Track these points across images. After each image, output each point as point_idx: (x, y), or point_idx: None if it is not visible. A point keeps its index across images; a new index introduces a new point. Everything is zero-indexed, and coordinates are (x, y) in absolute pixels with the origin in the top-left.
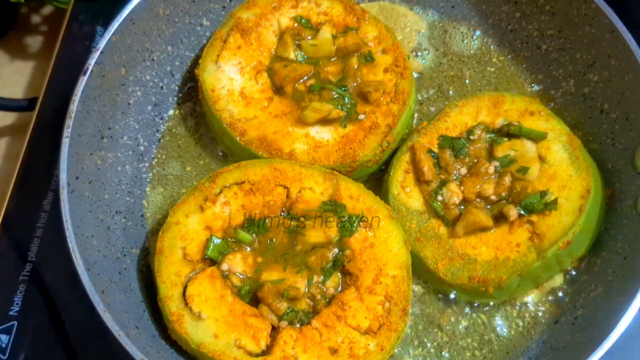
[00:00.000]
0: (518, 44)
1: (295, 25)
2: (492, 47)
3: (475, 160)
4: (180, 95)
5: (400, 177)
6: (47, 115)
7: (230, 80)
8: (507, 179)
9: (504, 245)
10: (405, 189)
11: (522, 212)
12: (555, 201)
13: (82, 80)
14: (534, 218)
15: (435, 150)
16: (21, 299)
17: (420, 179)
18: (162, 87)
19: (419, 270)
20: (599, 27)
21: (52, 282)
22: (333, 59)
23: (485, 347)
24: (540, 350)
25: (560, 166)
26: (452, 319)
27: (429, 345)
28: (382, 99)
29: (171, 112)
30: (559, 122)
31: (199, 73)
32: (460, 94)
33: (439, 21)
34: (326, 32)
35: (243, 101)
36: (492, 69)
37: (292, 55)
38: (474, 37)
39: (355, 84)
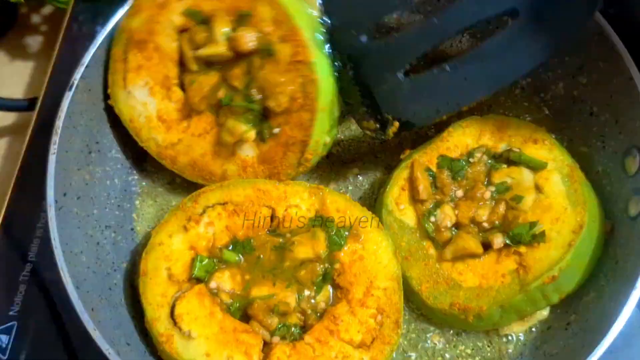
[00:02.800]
0: None
1: (188, 23)
2: None
3: (473, 184)
4: None
5: (395, 194)
6: (47, 116)
7: (144, 105)
8: (502, 207)
9: (490, 274)
10: (399, 206)
11: (508, 241)
12: (543, 234)
13: (68, 96)
14: (522, 249)
15: (434, 169)
16: (21, 299)
17: (415, 198)
18: None
19: (404, 288)
20: (587, 29)
21: (52, 282)
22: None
23: (479, 354)
24: (533, 356)
25: (556, 198)
26: (444, 327)
27: (422, 355)
28: (291, 106)
29: None
30: (562, 153)
31: (112, 104)
32: None
33: None
34: (218, 29)
35: (163, 126)
36: None
37: (194, 67)
38: (462, 41)
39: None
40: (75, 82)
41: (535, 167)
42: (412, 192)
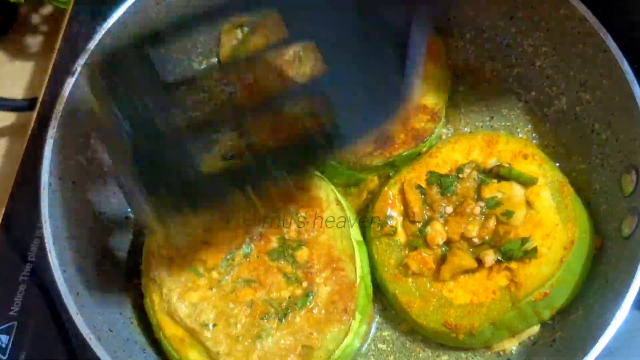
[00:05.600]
0: (513, 60)
1: None
2: (486, 62)
3: (462, 200)
4: None
5: (384, 211)
6: (46, 116)
7: None
8: (492, 222)
9: (480, 291)
10: (387, 223)
11: (500, 258)
12: (535, 250)
13: (70, 82)
14: (514, 265)
15: (423, 185)
16: (21, 300)
17: (410, 219)
18: None
19: (395, 308)
20: (592, 46)
21: (52, 282)
22: None
23: None
24: None
25: (547, 214)
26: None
27: None
28: None
29: None
30: (552, 168)
31: None
32: (453, 107)
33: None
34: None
35: None
36: (486, 85)
37: None
38: (469, 51)
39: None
40: (78, 69)
41: (526, 182)
42: (406, 213)
